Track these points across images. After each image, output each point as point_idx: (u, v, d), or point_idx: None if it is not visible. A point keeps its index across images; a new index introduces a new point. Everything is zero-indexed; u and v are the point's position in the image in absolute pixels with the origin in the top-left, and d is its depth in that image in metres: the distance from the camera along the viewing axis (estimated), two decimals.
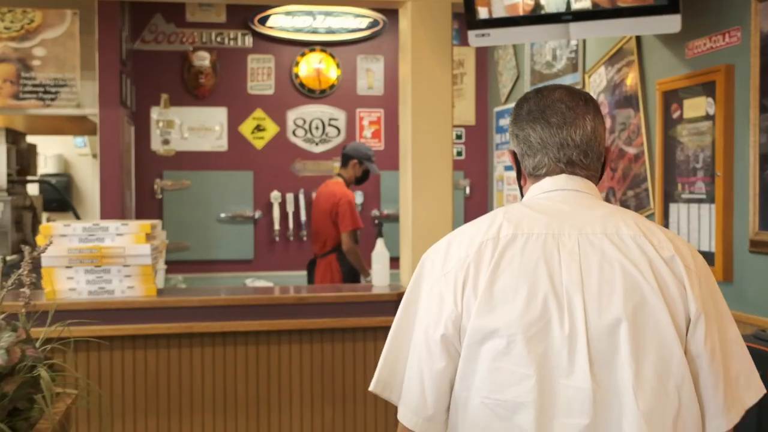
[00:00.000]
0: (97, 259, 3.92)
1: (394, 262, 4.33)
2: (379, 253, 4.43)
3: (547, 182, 1.63)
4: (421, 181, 4.30)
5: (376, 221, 4.49)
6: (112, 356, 3.93)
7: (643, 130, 4.51)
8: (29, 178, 6.08)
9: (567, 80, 5.59)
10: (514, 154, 1.69)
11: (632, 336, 1.44)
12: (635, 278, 1.47)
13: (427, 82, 4.30)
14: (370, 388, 1.64)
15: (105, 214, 5.59)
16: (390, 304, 4.12)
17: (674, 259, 1.50)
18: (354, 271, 5.59)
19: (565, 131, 1.60)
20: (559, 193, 1.61)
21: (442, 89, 4.32)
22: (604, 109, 5.05)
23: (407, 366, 1.58)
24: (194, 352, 4.00)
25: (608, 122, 4.97)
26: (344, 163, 5.72)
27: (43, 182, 6.21)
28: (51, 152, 8.84)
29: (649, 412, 1.43)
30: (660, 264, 1.49)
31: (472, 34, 4.06)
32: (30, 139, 6.32)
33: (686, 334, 1.48)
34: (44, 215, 7.05)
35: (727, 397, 1.50)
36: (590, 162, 1.63)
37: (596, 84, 5.17)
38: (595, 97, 5.09)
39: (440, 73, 4.31)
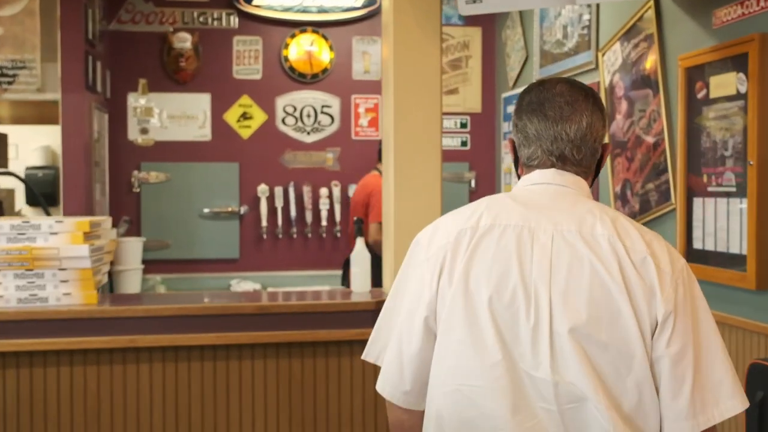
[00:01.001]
0: (28, 262, 3.40)
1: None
2: (359, 253, 3.88)
3: (536, 175, 1.67)
4: (404, 177, 3.76)
5: (355, 218, 3.91)
6: (45, 374, 3.41)
7: (663, 113, 3.93)
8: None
9: (579, 59, 5.01)
10: (513, 143, 1.74)
11: (593, 331, 1.49)
12: (603, 278, 1.51)
13: (412, 65, 3.77)
14: (363, 356, 1.78)
15: (68, 211, 5.09)
16: (368, 314, 3.57)
17: (645, 262, 1.53)
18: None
19: (560, 125, 1.63)
20: (544, 187, 1.66)
21: (428, 73, 3.77)
22: (619, 91, 4.47)
23: (390, 342, 1.67)
24: (141, 369, 3.48)
25: (623, 106, 4.40)
26: (380, 156, 5.31)
27: (6, 174, 5.70)
28: (38, 143, 8.35)
29: (609, 404, 1.47)
30: (628, 266, 1.52)
31: (462, 2, 3.50)
32: (10, 129, 5.86)
33: (652, 337, 1.51)
34: (30, 210, 6.54)
35: (696, 401, 1.50)
36: (582, 158, 1.66)
37: (610, 63, 4.58)
38: (609, 77, 4.51)
39: (427, 53, 3.76)
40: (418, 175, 3.77)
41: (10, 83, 5.08)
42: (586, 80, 4.94)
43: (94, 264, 3.51)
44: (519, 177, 1.75)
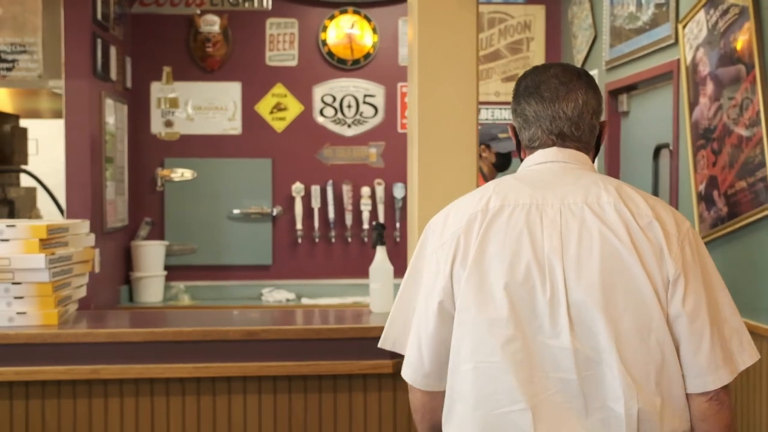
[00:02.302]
0: None
1: None
2: (379, 267, 3.21)
3: (538, 155, 1.75)
4: (430, 180, 3.11)
5: (374, 223, 3.23)
6: None
7: (760, 95, 3.15)
8: (2, 167, 5.08)
9: (656, 34, 4.27)
10: (513, 129, 1.83)
11: (610, 298, 1.57)
12: (613, 243, 1.59)
13: (441, 48, 3.14)
14: (379, 344, 1.88)
15: (71, 213, 4.55)
16: None
17: (652, 225, 1.61)
18: None
19: (557, 105, 1.71)
20: (548, 165, 1.73)
21: (462, 57, 3.13)
22: (704, 69, 3.70)
23: (411, 328, 1.76)
24: (110, 405, 2.87)
25: (709, 88, 3.63)
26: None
27: (16, 171, 5.22)
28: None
29: (631, 367, 1.55)
30: (636, 229, 1.60)
31: None
32: (32, 123, 5.46)
33: (666, 295, 1.59)
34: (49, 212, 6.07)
35: (716, 356, 1.58)
36: (581, 134, 1.73)
37: (693, 36, 3.80)
38: (691, 53, 3.76)
39: (459, 35, 3.12)
40: (446, 176, 3.11)
41: (9, 69, 4.56)
42: (664, 58, 4.18)
43: (56, 277, 2.93)
44: (521, 160, 1.82)
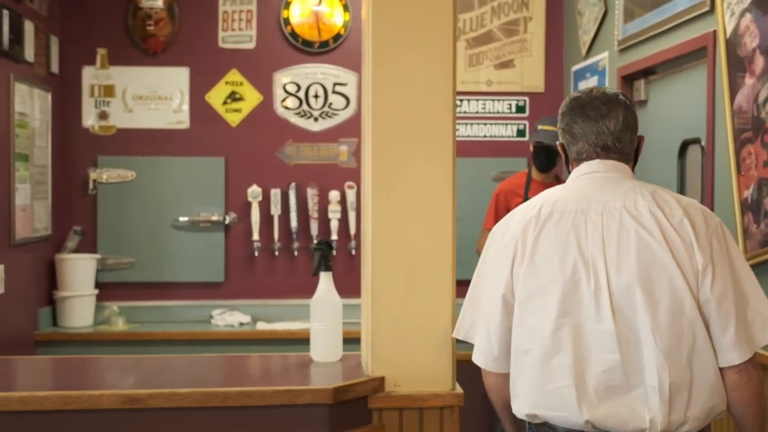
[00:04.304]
0: None
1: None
2: (322, 300, 2.38)
3: (584, 166, 2.05)
4: (388, 185, 2.31)
5: (317, 242, 2.39)
6: None
7: None
8: None
9: (683, 2, 3.43)
10: (562, 146, 2.11)
11: (646, 287, 1.85)
12: (647, 241, 1.87)
13: (403, 22, 2.33)
14: (453, 335, 2.20)
15: None
16: (323, 409, 2.05)
17: (682, 222, 1.89)
18: None
19: (601, 122, 2.01)
20: (591, 176, 2.03)
21: (431, 33, 2.33)
22: (750, 42, 2.89)
23: (480, 319, 2.06)
24: None
25: (758, 64, 2.84)
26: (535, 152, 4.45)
27: None
28: None
29: (666, 347, 1.83)
30: (668, 227, 1.88)
31: None
32: None
33: (696, 283, 1.86)
34: None
35: (740, 335, 1.86)
36: (623, 146, 2.03)
37: (736, 0, 2.97)
38: (733, 22, 2.97)
39: (428, 6, 2.32)
40: (407, 184, 2.29)
41: None
42: (697, 31, 3.37)
43: None
44: (569, 172, 2.11)
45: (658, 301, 1.83)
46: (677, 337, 1.82)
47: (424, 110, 2.39)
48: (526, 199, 4.25)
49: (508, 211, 4.64)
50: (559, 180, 4.34)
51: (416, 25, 2.40)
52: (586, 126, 2.00)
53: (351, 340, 2.62)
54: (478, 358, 2.05)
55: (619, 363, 1.83)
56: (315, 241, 2.66)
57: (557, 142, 2.12)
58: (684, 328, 1.83)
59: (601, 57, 4.43)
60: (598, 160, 2.00)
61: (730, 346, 1.85)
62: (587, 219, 1.91)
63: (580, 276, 1.87)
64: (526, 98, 5.14)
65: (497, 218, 4.23)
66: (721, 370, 1.87)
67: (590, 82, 4.61)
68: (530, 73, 5.11)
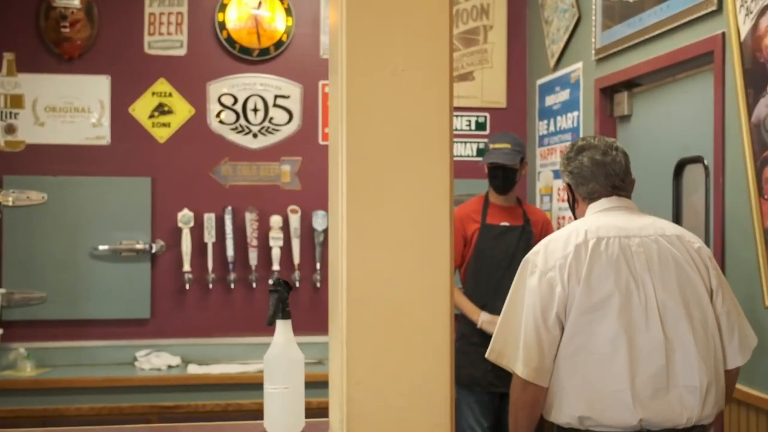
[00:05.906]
0: None
1: None
2: (281, 356, 1.92)
3: (604, 201, 2.42)
4: (367, 218, 1.85)
5: (272, 281, 1.85)
6: None
7: None
8: None
9: (682, 2, 3.06)
10: (569, 186, 2.50)
11: (685, 301, 2.24)
12: (680, 262, 2.27)
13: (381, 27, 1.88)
14: (486, 356, 2.40)
15: None
16: None
17: (700, 249, 2.31)
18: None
19: (608, 166, 2.41)
20: (615, 209, 2.40)
21: (426, 33, 1.88)
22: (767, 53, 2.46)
23: (522, 337, 2.28)
24: None
25: None
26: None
27: None
28: None
29: (703, 353, 2.22)
30: (693, 252, 2.29)
31: None
32: None
33: (712, 300, 2.29)
34: None
35: (741, 343, 2.31)
36: (626, 185, 2.45)
37: None
38: (749, 23, 2.58)
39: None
40: (397, 209, 1.83)
41: None
42: (700, 34, 3.03)
43: None
44: (573, 210, 2.54)
45: (692, 314, 2.22)
46: (707, 345, 2.22)
47: (414, 115, 1.92)
48: (483, 225, 3.88)
49: (465, 239, 4.28)
50: (520, 203, 3.97)
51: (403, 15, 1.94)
52: (594, 168, 2.40)
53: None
54: (528, 374, 2.25)
55: (664, 367, 2.19)
56: (270, 281, 2.21)
57: (563, 183, 2.49)
58: (709, 337, 2.24)
59: (574, 68, 4.07)
60: (615, 196, 2.40)
61: (736, 351, 2.30)
62: (630, 243, 2.26)
63: (632, 292, 2.22)
64: (487, 114, 4.89)
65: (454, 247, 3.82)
66: (725, 372, 2.31)
67: (559, 97, 4.26)
68: (491, 87, 4.81)
